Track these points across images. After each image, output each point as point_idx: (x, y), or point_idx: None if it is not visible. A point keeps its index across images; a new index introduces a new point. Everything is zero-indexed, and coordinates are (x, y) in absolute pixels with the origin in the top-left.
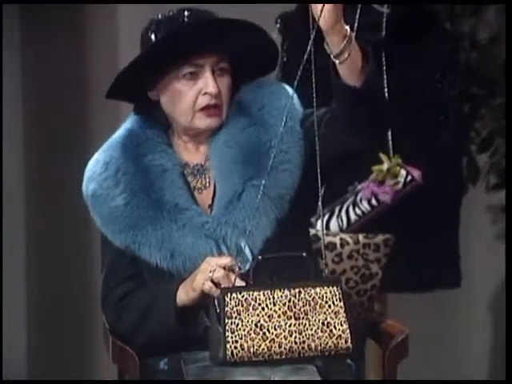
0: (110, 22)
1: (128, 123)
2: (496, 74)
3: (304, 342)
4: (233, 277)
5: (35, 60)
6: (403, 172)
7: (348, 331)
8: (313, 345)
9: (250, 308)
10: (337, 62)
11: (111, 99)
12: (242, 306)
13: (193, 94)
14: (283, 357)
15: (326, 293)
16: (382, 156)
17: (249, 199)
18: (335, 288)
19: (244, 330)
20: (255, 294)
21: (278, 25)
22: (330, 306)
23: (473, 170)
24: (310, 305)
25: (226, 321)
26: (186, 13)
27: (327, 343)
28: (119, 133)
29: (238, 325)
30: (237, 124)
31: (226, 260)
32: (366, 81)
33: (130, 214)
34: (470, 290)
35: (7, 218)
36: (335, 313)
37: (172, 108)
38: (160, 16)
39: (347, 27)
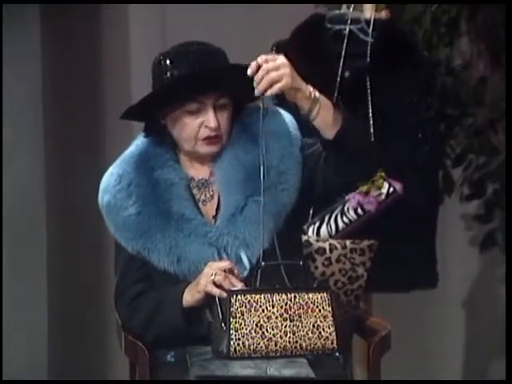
0: (121, 22)
1: (139, 140)
2: (469, 97)
3: (296, 341)
4: (233, 278)
5: (54, 64)
6: (386, 184)
7: (334, 333)
8: (304, 345)
9: (252, 309)
10: (310, 119)
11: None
12: (246, 307)
13: (195, 125)
14: (278, 354)
15: (317, 298)
16: None
17: (250, 213)
18: (325, 294)
19: (246, 329)
20: (257, 296)
21: (274, 52)
22: (320, 311)
23: (448, 182)
24: (303, 308)
25: (231, 320)
26: (193, 56)
27: (316, 344)
28: (131, 149)
29: (241, 324)
30: (241, 145)
31: (225, 264)
32: (339, 133)
33: (142, 222)
34: (445, 291)
35: (28, 221)
36: (324, 317)
37: (177, 135)
38: (170, 51)
39: (311, 89)
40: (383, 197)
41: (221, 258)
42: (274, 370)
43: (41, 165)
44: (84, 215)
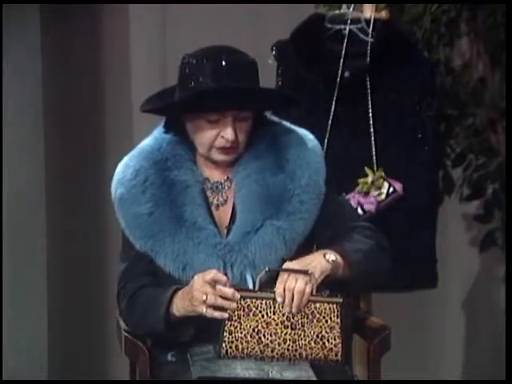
0: (121, 22)
1: (158, 133)
2: (468, 97)
3: (296, 350)
4: (222, 290)
5: (54, 64)
6: (386, 184)
7: (340, 346)
8: (304, 354)
9: (251, 314)
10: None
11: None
12: (244, 311)
13: (213, 134)
14: (274, 361)
15: (325, 309)
16: (367, 170)
17: (264, 236)
18: (334, 305)
19: (241, 333)
20: (258, 302)
21: (274, 52)
22: (326, 321)
23: (448, 182)
24: (307, 318)
25: (226, 322)
26: (222, 69)
27: (318, 354)
28: (149, 142)
29: (236, 327)
30: (268, 165)
31: (209, 276)
32: (352, 275)
33: (153, 224)
34: (445, 291)
35: (28, 222)
36: (330, 328)
37: (194, 138)
38: (200, 57)
39: (331, 258)
40: (383, 197)
41: (225, 273)
42: (275, 372)
43: (41, 165)
44: (84, 215)
